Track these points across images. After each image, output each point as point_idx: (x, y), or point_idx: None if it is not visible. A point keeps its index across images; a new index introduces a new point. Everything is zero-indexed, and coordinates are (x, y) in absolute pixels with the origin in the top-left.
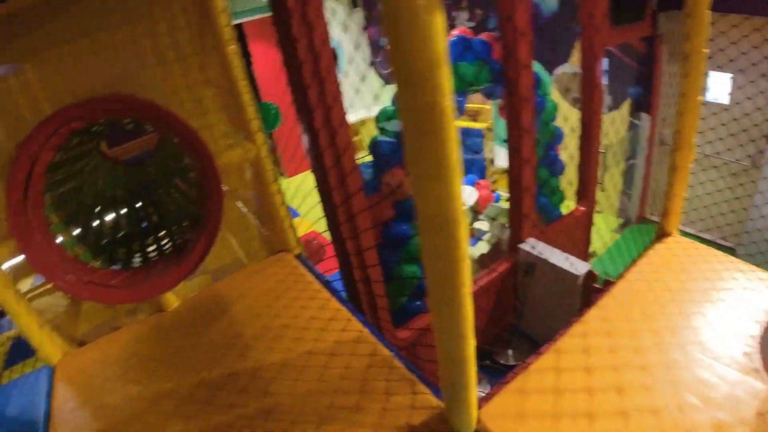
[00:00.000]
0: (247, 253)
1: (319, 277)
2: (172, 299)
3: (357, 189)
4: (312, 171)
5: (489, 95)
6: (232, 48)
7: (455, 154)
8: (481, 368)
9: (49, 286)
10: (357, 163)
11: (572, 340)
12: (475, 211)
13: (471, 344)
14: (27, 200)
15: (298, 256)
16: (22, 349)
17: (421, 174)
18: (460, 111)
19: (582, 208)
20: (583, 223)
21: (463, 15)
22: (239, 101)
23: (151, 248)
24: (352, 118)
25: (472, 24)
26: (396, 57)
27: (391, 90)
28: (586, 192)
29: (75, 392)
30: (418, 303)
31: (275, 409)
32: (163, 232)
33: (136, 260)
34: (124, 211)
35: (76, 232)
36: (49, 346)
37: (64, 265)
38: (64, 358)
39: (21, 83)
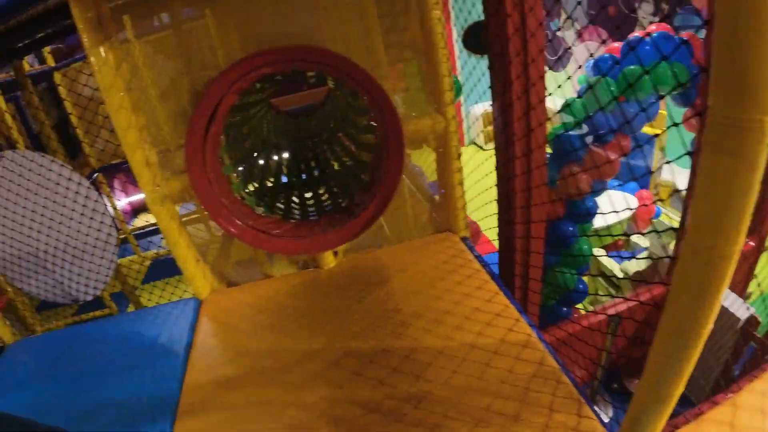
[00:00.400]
0: (413, 227)
1: (486, 266)
2: (329, 258)
3: (542, 182)
4: (497, 151)
5: (685, 101)
6: (436, 13)
7: (757, 185)
8: (607, 388)
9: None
10: (545, 157)
11: (752, 397)
12: (632, 223)
13: (680, 389)
14: (207, 137)
15: (464, 240)
16: (159, 270)
17: (710, 197)
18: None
19: (751, 243)
20: (749, 260)
21: (647, 7)
22: (436, 70)
23: (310, 203)
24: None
25: (656, 19)
26: (724, 62)
27: (559, 78)
28: (757, 225)
29: (219, 330)
30: (564, 309)
31: (427, 398)
32: (323, 189)
33: (295, 212)
34: (285, 156)
35: (243, 175)
36: (200, 280)
37: (232, 207)
38: (213, 294)
39: (201, 27)
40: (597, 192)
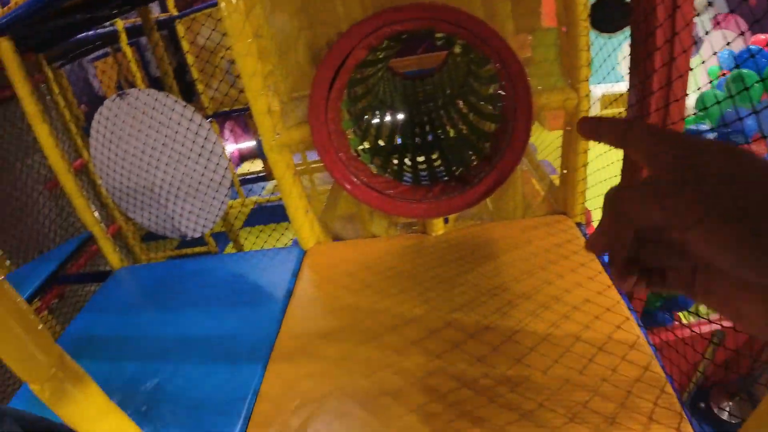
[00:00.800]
0: (520, 204)
1: (600, 256)
2: (439, 225)
3: None
4: None
5: None
6: None
7: None
8: (692, 407)
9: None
10: None
11: None
12: None
13: None
14: (331, 90)
15: (579, 225)
16: (257, 216)
17: None
18: None
19: None
20: None
21: None
22: (575, 43)
23: (422, 167)
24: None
25: None
26: None
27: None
28: None
29: (320, 282)
30: (666, 315)
31: (524, 383)
32: (436, 154)
33: (407, 175)
34: (400, 118)
35: (359, 133)
36: (307, 230)
37: (348, 162)
38: (317, 246)
39: None
40: None
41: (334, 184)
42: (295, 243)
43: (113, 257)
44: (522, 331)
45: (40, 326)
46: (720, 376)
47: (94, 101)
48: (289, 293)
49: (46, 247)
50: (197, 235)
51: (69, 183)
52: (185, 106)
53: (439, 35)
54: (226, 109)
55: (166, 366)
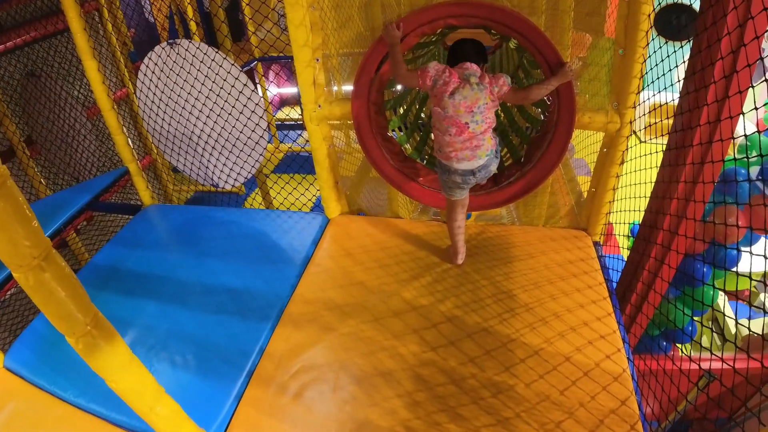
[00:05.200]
0: (544, 213)
1: (608, 280)
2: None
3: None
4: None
5: None
6: (647, 8)
7: None
8: None
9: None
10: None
11: None
12: None
13: None
14: (378, 72)
15: (596, 245)
16: (289, 164)
17: None
18: None
19: None
20: None
21: None
22: (630, 68)
23: None
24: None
25: None
26: None
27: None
28: None
29: (339, 254)
30: (664, 344)
31: (507, 392)
32: None
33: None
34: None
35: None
36: (334, 201)
37: (383, 144)
38: (341, 217)
39: None
40: (748, 243)
41: (365, 160)
42: (320, 201)
43: (145, 194)
44: (516, 341)
45: (81, 290)
46: (702, 412)
47: (143, 28)
48: (307, 260)
49: (81, 176)
50: (228, 187)
51: (111, 119)
52: (233, 64)
53: (495, 33)
54: (274, 54)
55: (182, 310)
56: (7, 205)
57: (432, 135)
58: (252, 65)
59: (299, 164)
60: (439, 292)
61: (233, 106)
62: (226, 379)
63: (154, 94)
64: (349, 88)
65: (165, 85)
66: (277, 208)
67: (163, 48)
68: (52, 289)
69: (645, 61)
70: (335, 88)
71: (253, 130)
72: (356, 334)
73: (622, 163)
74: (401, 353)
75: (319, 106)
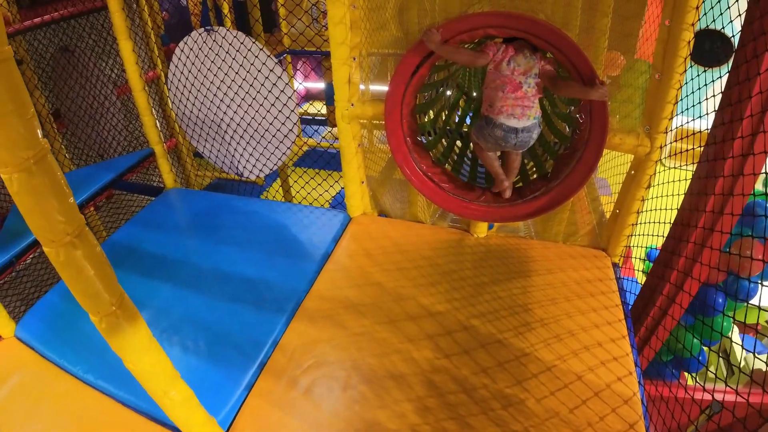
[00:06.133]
0: (564, 229)
1: (624, 302)
2: (483, 228)
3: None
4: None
5: None
6: (687, 35)
7: None
8: None
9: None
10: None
11: None
12: None
13: None
14: (415, 74)
15: (615, 266)
16: (311, 158)
17: None
18: None
19: None
20: None
21: None
22: (665, 94)
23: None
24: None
25: None
26: None
27: None
28: None
29: (358, 254)
30: (674, 371)
31: (517, 405)
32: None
33: (465, 169)
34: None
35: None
36: (357, 200)
37: (412, 147)
38: (363, 217)
39: None
40: (767, 277)
41: (390, 160)
42: (341, 196)
43: (168, 177)
44: (530, 356)
45: (110, 270)
46: None
47: (176, 11)
48: (326, 257)
49: (106, 154)
50: (252, 177)
51: (142, 99)
52: (269, 55)
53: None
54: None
55: (197, 296)
56: (45, 179)
57: (458, 141)
58: (282, 56)
59: (320, 160)
60: (456, 300)
61: (265, 97)
62: (237, 368)
63: (187, 78)
64: (376, 88)
65: (198, 70)
66: (299, 202)
67: (200, 34)
68: (82, 266)
69: (681, 87)
70: (362, 87)
71: (283, 123)
72: (370, 335)
73: (649, 187)
74: (414, 358)
75: (352, 105)
